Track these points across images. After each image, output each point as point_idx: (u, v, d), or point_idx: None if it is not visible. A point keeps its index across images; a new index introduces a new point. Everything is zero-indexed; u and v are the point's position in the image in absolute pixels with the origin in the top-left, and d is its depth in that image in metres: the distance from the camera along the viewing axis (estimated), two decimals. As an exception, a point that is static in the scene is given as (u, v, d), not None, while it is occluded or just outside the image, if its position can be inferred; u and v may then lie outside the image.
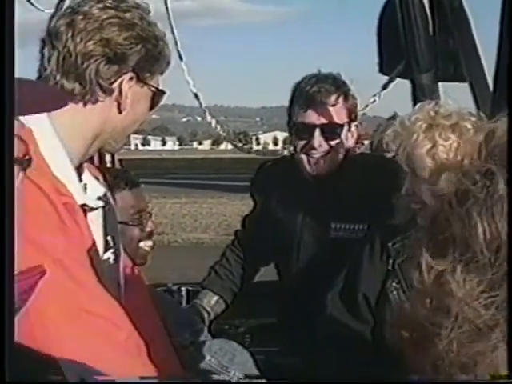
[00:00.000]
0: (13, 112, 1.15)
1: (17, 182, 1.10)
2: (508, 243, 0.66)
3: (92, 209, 1.44)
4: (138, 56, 1.41)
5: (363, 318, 1.85)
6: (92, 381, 1.25)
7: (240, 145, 3.75)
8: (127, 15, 1.40)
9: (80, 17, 1.37)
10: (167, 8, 2.67)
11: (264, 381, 1.81)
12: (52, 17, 1.41)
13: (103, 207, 1.51)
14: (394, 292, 1.80)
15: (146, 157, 60.19)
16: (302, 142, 2.23)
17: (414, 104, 2.07)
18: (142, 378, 1.30)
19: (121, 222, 1.87)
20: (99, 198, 1.50)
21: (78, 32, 1.36)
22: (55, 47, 1.38)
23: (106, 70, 1.38)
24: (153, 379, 1.33)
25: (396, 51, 2.25)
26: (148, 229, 2.06)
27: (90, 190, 1.49)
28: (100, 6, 1.39)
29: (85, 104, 1.40)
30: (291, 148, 2.41)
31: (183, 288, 2.78)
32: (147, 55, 1.42)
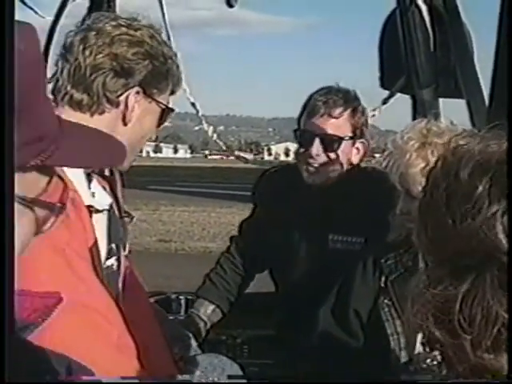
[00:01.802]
0: (13, 112, 1.18)
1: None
2: (508, 243, 0.64)
3: (97, 211, 1.49)
4: (145, 71, 1.48)
5: (354, 334, 1.85)
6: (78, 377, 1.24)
7: (236, 153, 3.79)
8: (137, 33, 1.48)
9: (93, 33, 1.46)
10: (164, 16, 2.72)
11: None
12: (69, 33, 1.50)
13: (108, 212, 1.55)
14: (386, 309, 1.80)
15: (157, 164, 60.38)
16: (302, 150, 2.25)
17: (414, 119, 2.08)
18: (123, 377, 1.29)
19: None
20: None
21: (89, 46, 1.46)
22: (68, 60, 1.48)
23: (113, 82, 1.46)
24: (145, 380, 1.34)
25: (397, 66, 2.27)
26: None
27: (98, 198, 1.54)
28: (113, 23, 1.48)
29: (92, 114, 1.47)
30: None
31: (182, 297, 2.78)
32: (154, 71, 1.49)
